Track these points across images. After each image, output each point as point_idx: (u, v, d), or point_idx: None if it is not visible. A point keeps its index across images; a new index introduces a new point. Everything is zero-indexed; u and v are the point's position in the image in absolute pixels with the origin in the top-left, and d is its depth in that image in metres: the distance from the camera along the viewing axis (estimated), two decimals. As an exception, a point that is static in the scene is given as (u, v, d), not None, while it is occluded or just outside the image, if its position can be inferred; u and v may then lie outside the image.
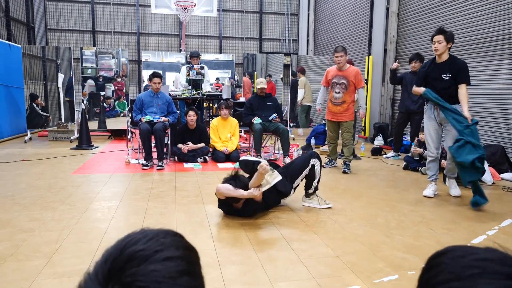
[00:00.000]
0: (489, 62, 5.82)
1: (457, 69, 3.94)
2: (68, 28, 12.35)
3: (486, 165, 4.66)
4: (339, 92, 5.27)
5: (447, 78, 3.97)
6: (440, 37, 3.93)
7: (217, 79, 10.16)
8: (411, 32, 7.74)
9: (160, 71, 6.19)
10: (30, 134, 7.81)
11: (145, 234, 0.62)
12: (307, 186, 3.73)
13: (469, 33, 6.17)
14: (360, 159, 6.33)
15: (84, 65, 8.20)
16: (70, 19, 12.37)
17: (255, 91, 6.42)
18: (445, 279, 0.62)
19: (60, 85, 8.08)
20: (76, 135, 7.69)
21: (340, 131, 5.51)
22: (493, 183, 4.73)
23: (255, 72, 10.01)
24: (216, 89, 7.84)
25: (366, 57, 8.86)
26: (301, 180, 3.66)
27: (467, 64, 4.00)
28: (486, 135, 5.79)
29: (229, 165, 5.62)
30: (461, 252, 0.65)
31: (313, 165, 3.61)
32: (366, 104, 5.52)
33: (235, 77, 10.90)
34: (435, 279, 0.64)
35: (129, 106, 7.88)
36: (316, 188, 3.73)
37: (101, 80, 8.25)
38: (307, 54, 12.65)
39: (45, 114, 8.09)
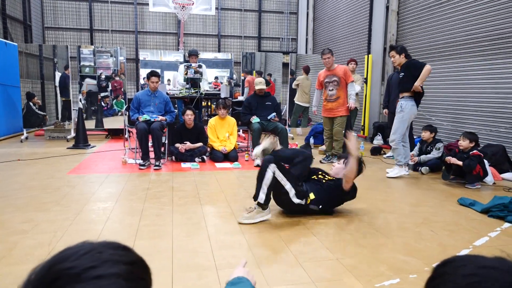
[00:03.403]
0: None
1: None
2: (65, 26, 12.27)
3: (487, 165, 4.62)
4: (332, 89, 5.78)
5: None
6: (393, 52, 4.99)
7: (216, 78, 10.09)
8: (411, 31, 7.68)
9: (158, 70, 6.11)
10: (26, 133, 7.73)
11: (81, 249, 0.57)
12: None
13: (470, 31, 6.12)
14: (360, 158, 6.27)
15: (82, 63, 8.13)
16: (68, 17, 12.29)
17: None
18: None
19: (57, 83, 8.01)
20: (72, 134, 7.62)
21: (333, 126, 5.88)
22: (494, 183, 4.68)
23: (254, 71, 9.95)
24: (215, 88, 7.77)
25: (366, 56, 8.80)
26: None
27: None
28: (487, 135, 5.73)
29: (227, 164, 5.56)
30: (465, 262, 0.62)
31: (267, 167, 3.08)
32: (355, 98, 5.91)
33: (234, 76, 10.84)
34: None
35: (127, 105, 7.81)
36: (255, 198, 3.12)
37: (103, 78, 8.15)
38: (306, 52, 12.59)
39: (42, 113, 8.02)
